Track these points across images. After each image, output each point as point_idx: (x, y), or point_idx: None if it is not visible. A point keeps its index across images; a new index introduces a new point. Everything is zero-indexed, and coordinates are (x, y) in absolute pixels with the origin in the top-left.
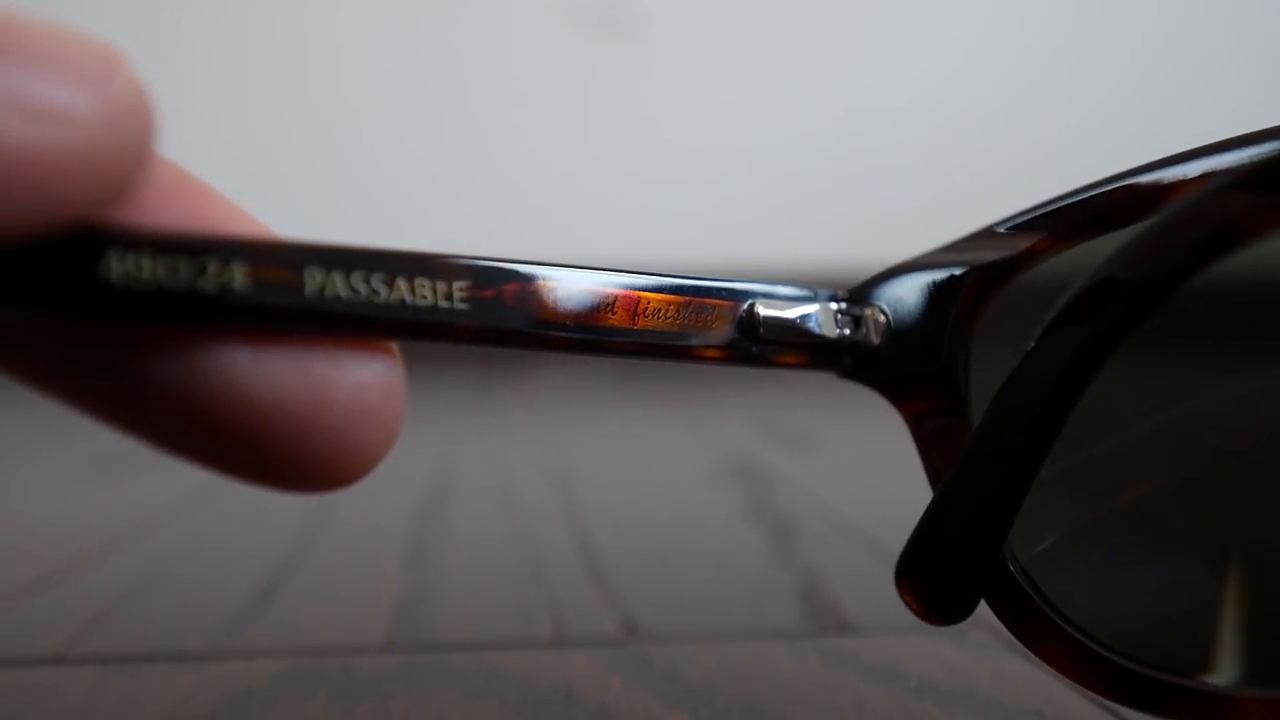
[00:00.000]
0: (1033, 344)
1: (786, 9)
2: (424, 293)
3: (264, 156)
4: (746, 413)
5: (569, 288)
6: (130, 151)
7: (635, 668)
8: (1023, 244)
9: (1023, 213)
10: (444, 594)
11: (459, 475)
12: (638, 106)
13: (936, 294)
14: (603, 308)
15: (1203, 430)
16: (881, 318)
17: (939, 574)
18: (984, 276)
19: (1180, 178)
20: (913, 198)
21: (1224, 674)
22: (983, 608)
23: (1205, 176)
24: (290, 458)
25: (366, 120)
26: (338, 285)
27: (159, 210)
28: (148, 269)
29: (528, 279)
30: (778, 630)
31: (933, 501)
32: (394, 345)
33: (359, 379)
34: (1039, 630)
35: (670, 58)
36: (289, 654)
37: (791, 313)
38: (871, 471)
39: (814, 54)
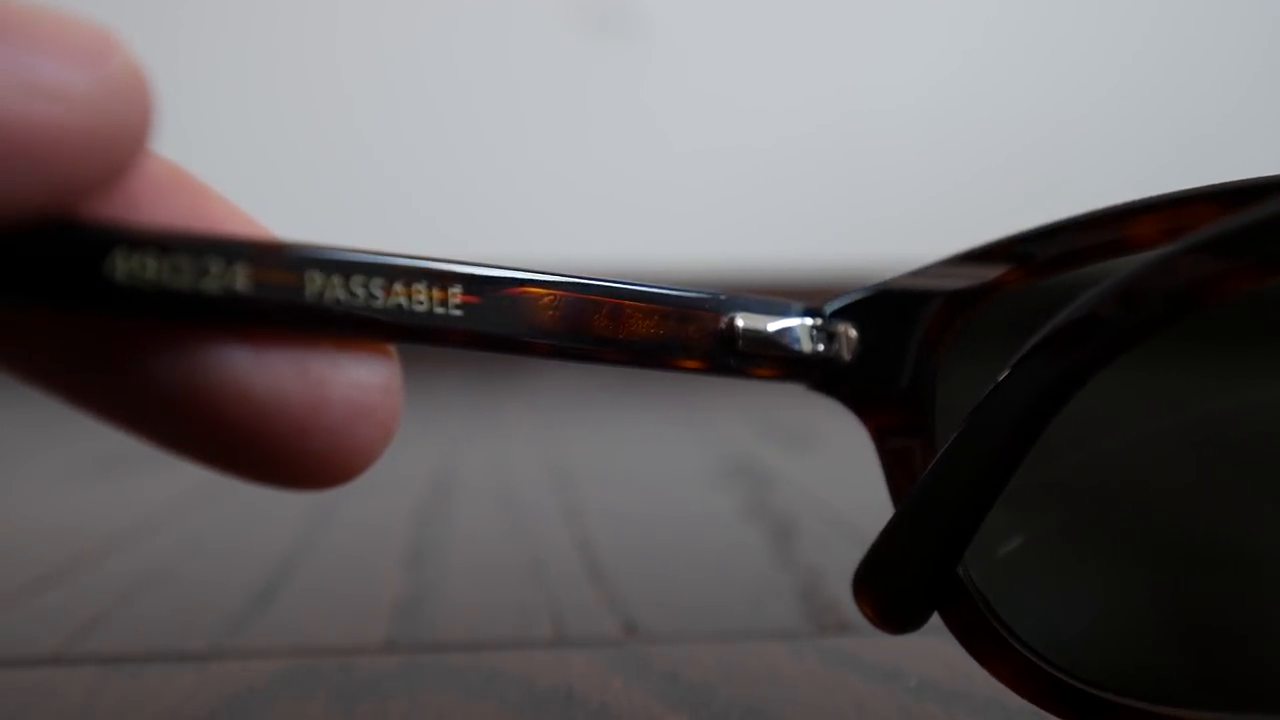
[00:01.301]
0: (1004, 375)
1: (785, 12)
2: (420, 298)
3: (263, 157)
4: (746, 413)
5: (558, 296)
6: (128, 131)
7: (635, 668)
8: (991, 274)
9: (994, 243)
10: (444, 594)
11: (459, 475)
12: (637, 108)
13: (906, 317)
14: (590, 317)
15: (1154, 451)
16: (853, 334)
17: (895, 587)
18: (952, 303)
19: (1150, 222)
20: (910, 200)
21: (1165, 694)
22: None
23: (1176, 224)
24: (288, 456)
25: (366, 121)
26: (337, 288)
27: (159, 209)
28: (152, 268)
29: (518, 287)
30: (778, 630)
31: (894, 517)
32: (391, 347)
33: (356, 379)
34: (986, 644)
35: (669, 60)
36: (289, 654)
37: (770, 327)
38: (871, 471)
39: (813, 56)
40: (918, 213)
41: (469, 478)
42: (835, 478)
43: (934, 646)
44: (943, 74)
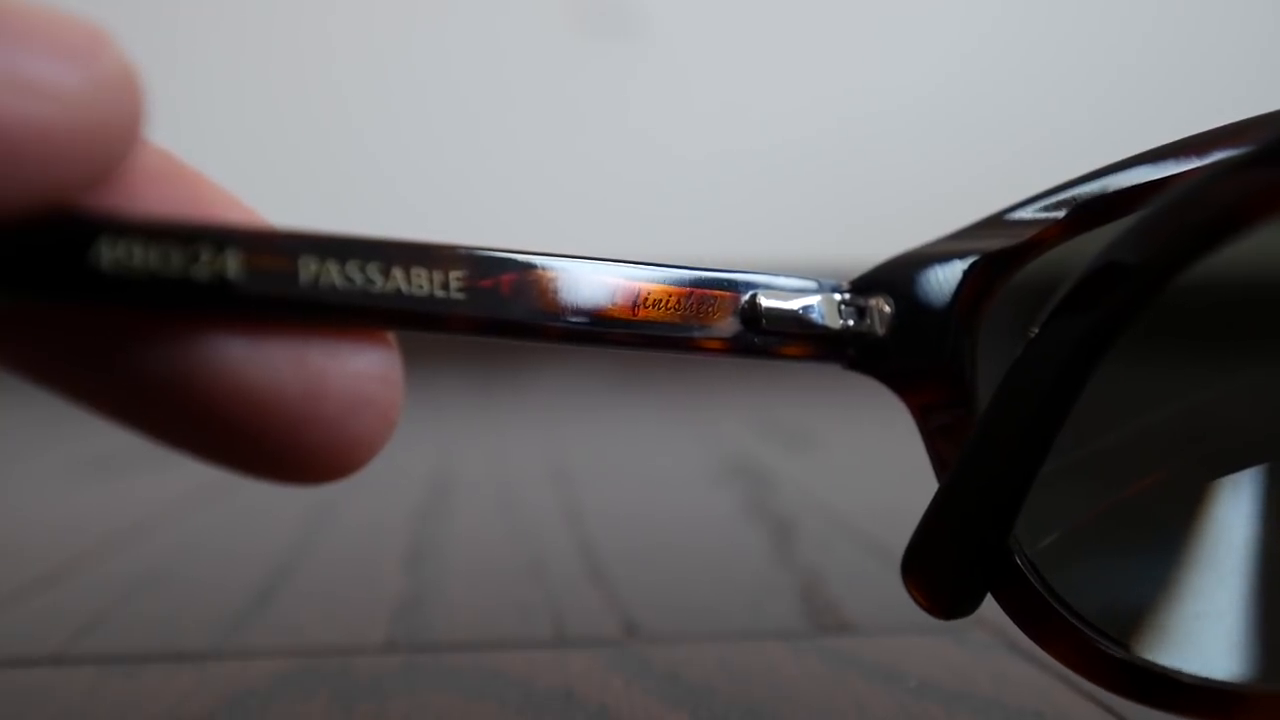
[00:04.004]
0: (1038, 330)
1: (784, 11)
2: (420, 282)
3: (258, 156)
4: (746, 412)
5: (568, 278)
6: (119, 129)
7: (635, 668)
8: (1029, 231)
9: (1029, 199)
10: (444, 594)
11: (459, 475)
12: (633, 109)
13: (942, 283)
14: (603, 299)
15: (1212, 424)
16: (886, 308)
17: (945, 565)
18: (990, 264)
19: (1194, 161)
20: (909, 201)
21: (1232, 669)
22: (985, 607)
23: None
24: (287, 448)
25: (361, 120)
26: (332, 274)
27: (152, 197)
28: (139, 256)
29: (526, 269)
30: (778, 630)
31: (938, 492)
32: (390, 335)
33: (355, 369)
34: (1044, 623)
35: (666, 60)
36: (289, 654)
37: (794, 304)
38: (871, 471)
39: (812, 56)
40: (916, 212)
41: (469, 478)
42: (835, 478)
43: (934, 646)
44: (943, 75)
